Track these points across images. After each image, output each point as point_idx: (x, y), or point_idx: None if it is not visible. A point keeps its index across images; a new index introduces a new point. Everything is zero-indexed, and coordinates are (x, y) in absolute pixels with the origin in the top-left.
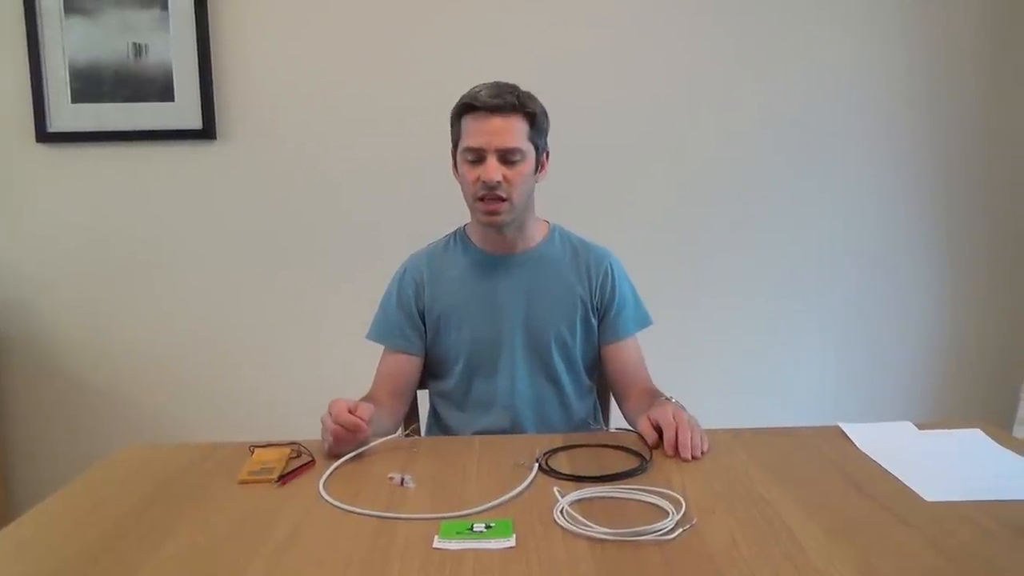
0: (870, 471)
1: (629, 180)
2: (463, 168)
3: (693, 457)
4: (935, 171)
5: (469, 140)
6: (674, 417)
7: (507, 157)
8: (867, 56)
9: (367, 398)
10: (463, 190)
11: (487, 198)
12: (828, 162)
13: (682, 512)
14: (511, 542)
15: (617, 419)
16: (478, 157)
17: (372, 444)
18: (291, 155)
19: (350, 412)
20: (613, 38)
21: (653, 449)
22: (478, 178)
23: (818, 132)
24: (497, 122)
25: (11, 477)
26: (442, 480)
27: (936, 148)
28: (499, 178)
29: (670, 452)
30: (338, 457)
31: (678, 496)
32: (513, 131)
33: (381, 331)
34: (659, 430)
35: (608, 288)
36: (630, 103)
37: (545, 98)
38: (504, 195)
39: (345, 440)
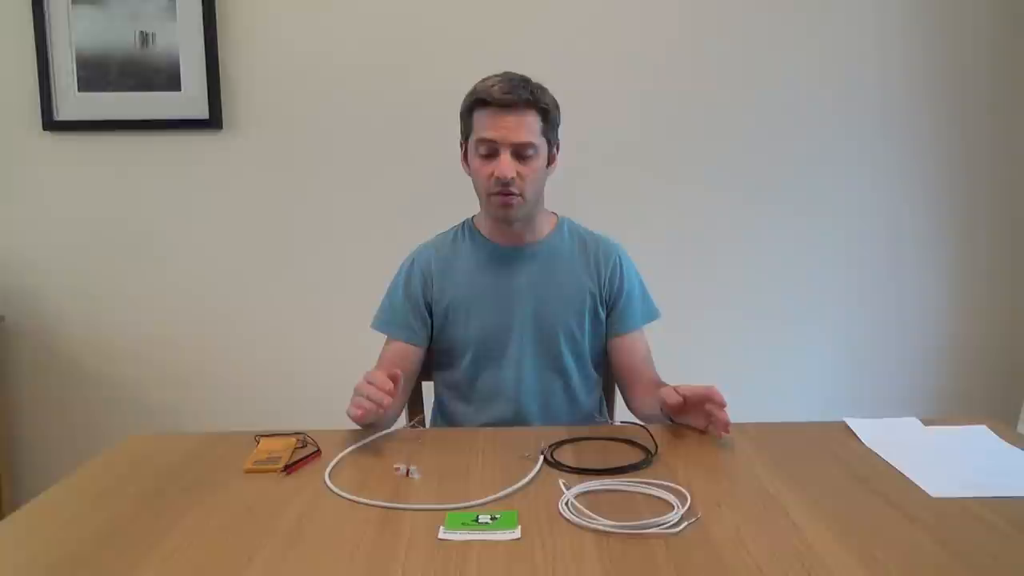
0: (875, 466)
1: (636, 175)
2: (475, 162)
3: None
4: (938, 170)
5: (483, 133)
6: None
7: (521, 152)
8: (871, 55)
9: None
10: (475, 183)
11: (501, 194)
12: (832, 161)
13: (687, 506)
14: (516, 534)
15: (622, 412)
16: (491, 151)
17: (378, 435)
18: (298, 145)
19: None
20: (618, 38)
21: (673, 410)
22: (492, 174)
23: (823, 132)
24: (511, 119)
25: (16, 465)
26: (448, 471)
27: (939, 147)
28: (513, 174)
29: (717, 398)
30: (348, 443)
31: (683, 490)
32: (527, 127)
33: (386, 321)
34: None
35: (617, 281)
36: (638, 100)
37: (553, 91)
38: (517, 191)
39: (379, 401)
